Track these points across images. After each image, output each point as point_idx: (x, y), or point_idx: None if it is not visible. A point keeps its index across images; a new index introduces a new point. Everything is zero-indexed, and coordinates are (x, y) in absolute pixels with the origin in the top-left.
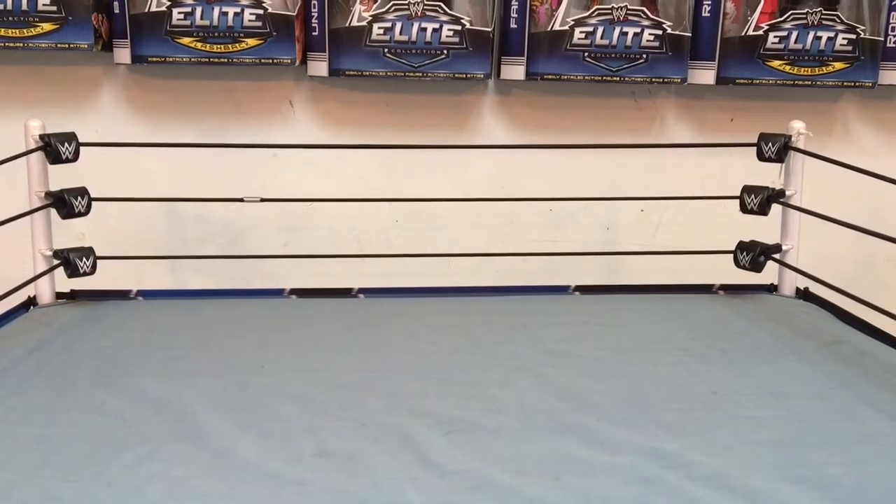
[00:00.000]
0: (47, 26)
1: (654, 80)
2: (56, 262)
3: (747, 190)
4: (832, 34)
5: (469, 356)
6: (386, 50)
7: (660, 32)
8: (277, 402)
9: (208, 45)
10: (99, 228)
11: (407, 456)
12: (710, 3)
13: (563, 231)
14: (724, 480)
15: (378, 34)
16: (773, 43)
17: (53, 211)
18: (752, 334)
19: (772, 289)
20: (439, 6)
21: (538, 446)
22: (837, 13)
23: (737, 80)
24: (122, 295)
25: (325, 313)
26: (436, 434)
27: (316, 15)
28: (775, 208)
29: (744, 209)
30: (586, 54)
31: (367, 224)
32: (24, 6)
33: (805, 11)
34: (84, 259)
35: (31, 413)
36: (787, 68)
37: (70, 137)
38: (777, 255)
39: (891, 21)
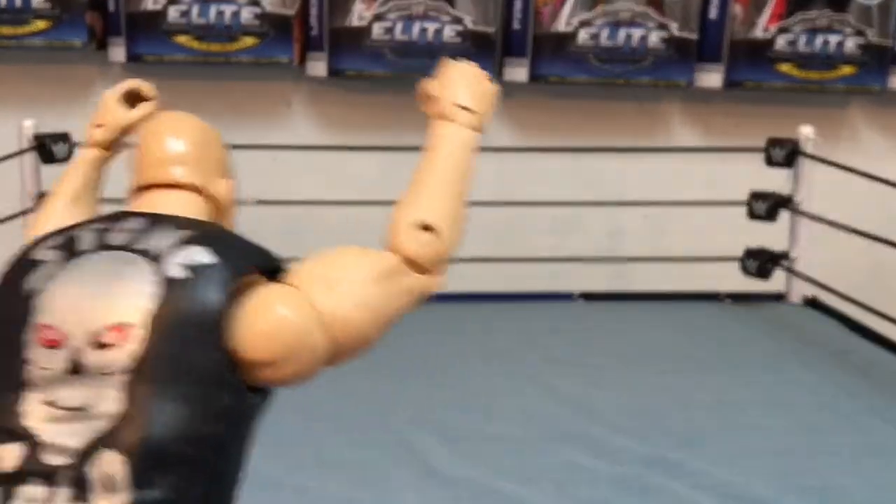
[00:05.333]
0: (41, 24)
1: (659, 82)
2: None
3: (755, 195)
4: (841, 38)
5: (472, 364)
6: (387, 50)
7: (666, 35)
8: (278, 410)
9: (205, 44)
10: None
11: (409, 464)
12: (717, 5)
13: (566, 236)
14: (730, 489)
15: (379, 34)
16: (781, 46)
17: None
18: (758, 343)
19: (779, 297)
20: (441, 6)
21: (542, 455)
22: (846, 17)
23: (744, 83)
24: None
25: None
26: (438, 442)
27: (315, 14)
28: (783, 214)
29: (751, 215)
30: (591, 56)
31: (367, 228)
32: (18, 3)
33: (814, 15)
34: None
35: None
36: (796, 71)
37: (64, 137)
38: (785, 263)
39: None
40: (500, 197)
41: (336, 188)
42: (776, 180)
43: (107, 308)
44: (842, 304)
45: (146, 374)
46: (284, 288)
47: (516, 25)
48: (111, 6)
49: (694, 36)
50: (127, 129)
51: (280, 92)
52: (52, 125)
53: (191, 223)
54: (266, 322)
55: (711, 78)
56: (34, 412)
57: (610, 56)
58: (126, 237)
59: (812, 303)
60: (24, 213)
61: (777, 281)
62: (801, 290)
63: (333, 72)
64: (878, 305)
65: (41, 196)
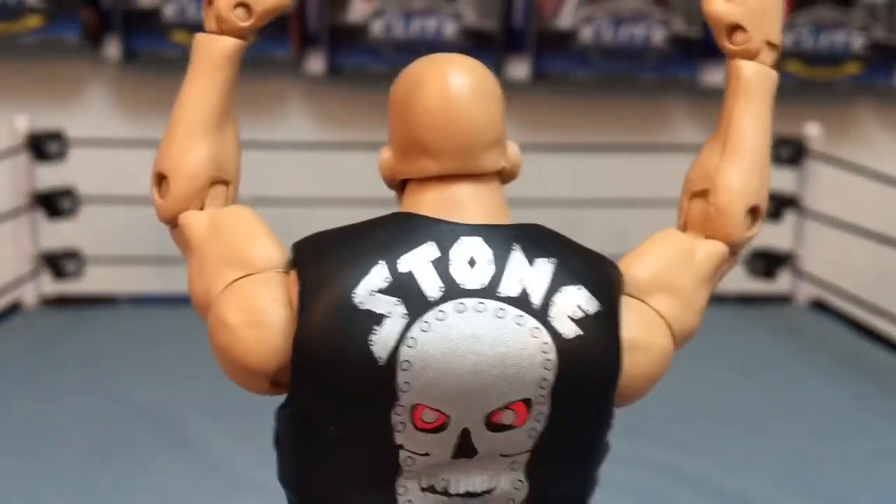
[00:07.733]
0: (34, 20)
1: (663, 79)
2: (42, 265)
3: None
4: (847, 35)
5: None
6: (386, 47)
7: (670, 31)
8: (272, 412)
9: None
10: (87, 230)
11: None
12: None
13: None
14: (736, 496)
15: (378, 31)
16: (786, 43)
17: (40, 212)
18: (764, 346)
19: (785, 299)
20: (441, 2)
21: None
22: (852, 14)
23: None
24: (111, 300)
25: None
26: None
27: (313, 9)
28: (789, 214)
29: None
30: (594, 52)
31: None
32: None
33: (819, 12)
34: (71, 262)
35: (17, 421)
36: (801, 69)
37: (58, 135)
38: (791, 264)
39: None
40: None
41: (335, 186)
42: (782, 179)
43: (500, 382)
44: (849, 307)
45: (546, 454)
46: (646, 316)
47: (518, 21)
48: (106, 2)
49: (699, 33)
50: (280, 9)
51: (277, 89)
52: (45, 123)
53: (536, 239)
54: (648, 365)
55: (716, 75)
56: (413, 501)
57: (613, 52)
58: (480, 275)
59: (819, 305)
60: (17, 213)
61: (783, 282)
62: (807, 291)
63: (332, 68)
64: (886, 308)
65: (36, 195)
